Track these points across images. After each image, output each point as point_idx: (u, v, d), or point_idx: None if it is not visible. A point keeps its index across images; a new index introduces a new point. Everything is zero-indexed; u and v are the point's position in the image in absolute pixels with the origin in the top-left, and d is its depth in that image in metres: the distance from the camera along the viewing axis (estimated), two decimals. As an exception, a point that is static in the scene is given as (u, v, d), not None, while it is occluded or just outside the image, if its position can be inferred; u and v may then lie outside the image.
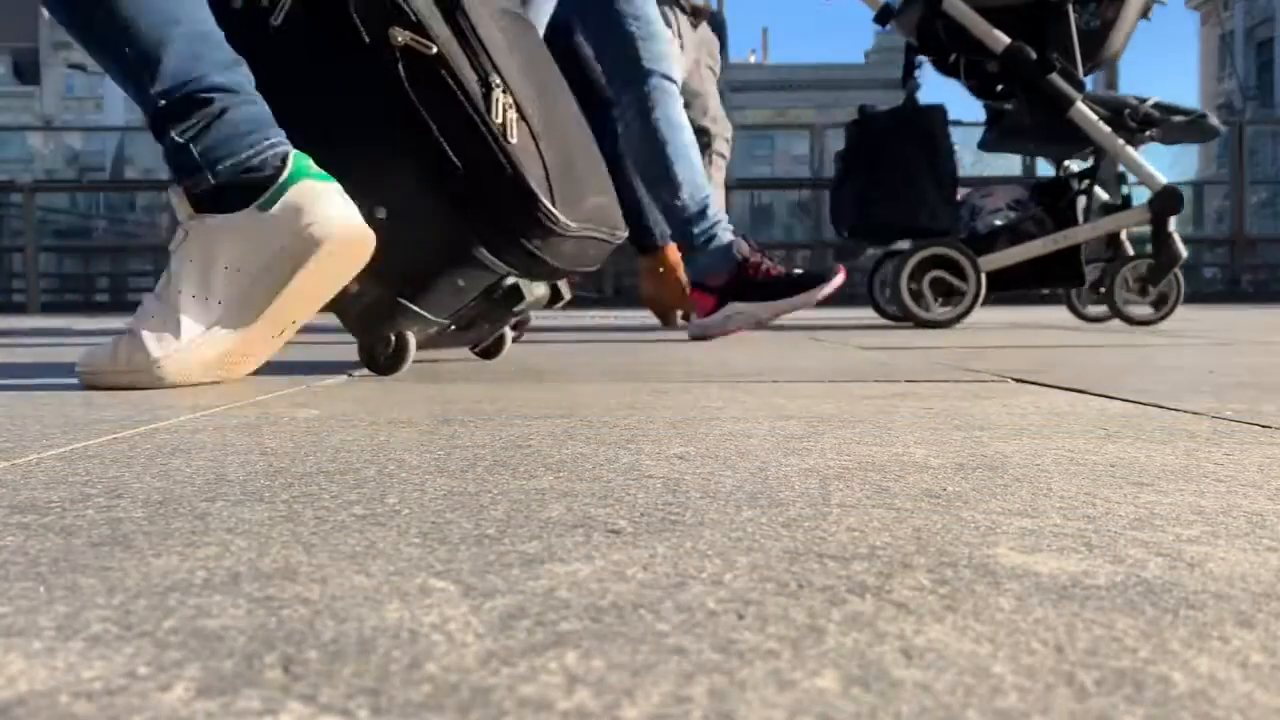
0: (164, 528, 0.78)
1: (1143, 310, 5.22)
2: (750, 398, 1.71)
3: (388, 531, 0.77)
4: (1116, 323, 5.47)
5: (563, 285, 2.44)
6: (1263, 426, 1.33)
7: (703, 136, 4.76)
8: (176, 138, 1.94)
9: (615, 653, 0.50)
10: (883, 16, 5.11)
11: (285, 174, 1.89)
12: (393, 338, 2.20)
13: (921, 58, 5.16)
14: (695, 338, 3.91)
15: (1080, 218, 5.02)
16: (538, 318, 5.89)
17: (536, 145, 2.02)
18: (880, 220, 5.22)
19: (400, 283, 2.13)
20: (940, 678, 0.47)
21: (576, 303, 10.16)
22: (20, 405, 1.65)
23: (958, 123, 10.56)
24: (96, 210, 14.72)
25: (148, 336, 1.87)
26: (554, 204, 1.99)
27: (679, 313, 4.97)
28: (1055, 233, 4.99)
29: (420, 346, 2.27)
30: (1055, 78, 4.75)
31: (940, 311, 4.92)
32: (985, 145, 5.52)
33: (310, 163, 1.92)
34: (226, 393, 1.84)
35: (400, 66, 1.96)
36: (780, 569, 0.66)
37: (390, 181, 2.06)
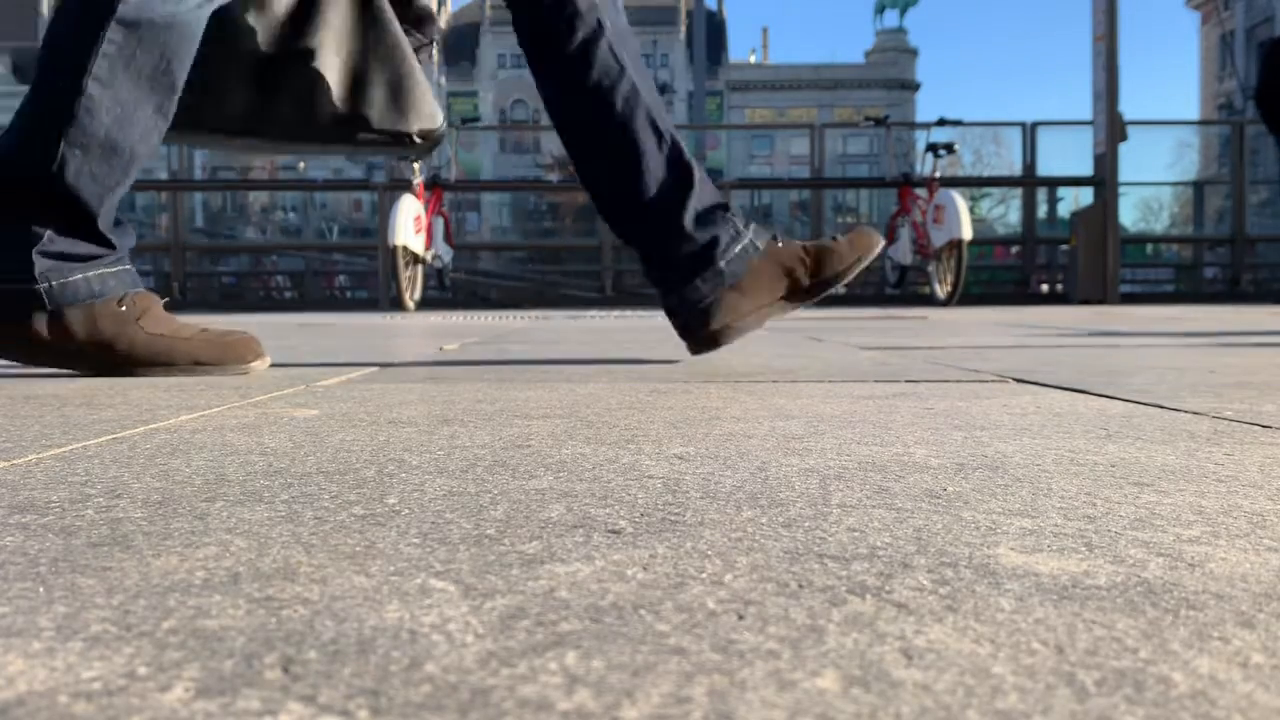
0: (163, 528, 0.78)
1: None
2: (750, 398, 1.71)
3: (388, 531, 0.77)
4: (1115, 323, 5.48)
5: None
6: (1263, 426, 1.33)
7: None
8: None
9: (615, 653, 0.50)
10: None
11: None
12: None
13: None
14: None
15: None
16: (537, 317, 5.88)
17: None
18: None
19: None
20: (940, 678, 0.47)
21: (576, 303, 10.14)
22: (20, 405, 1.65)
23: (958, 122, 10.56)
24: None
25: None
26: None
27: None
28: None
29: None
30: None
31: None
32: None
33: None
34: (226, 393, 1.84)
35: None
36: (780, 569, 0.65)
37: None
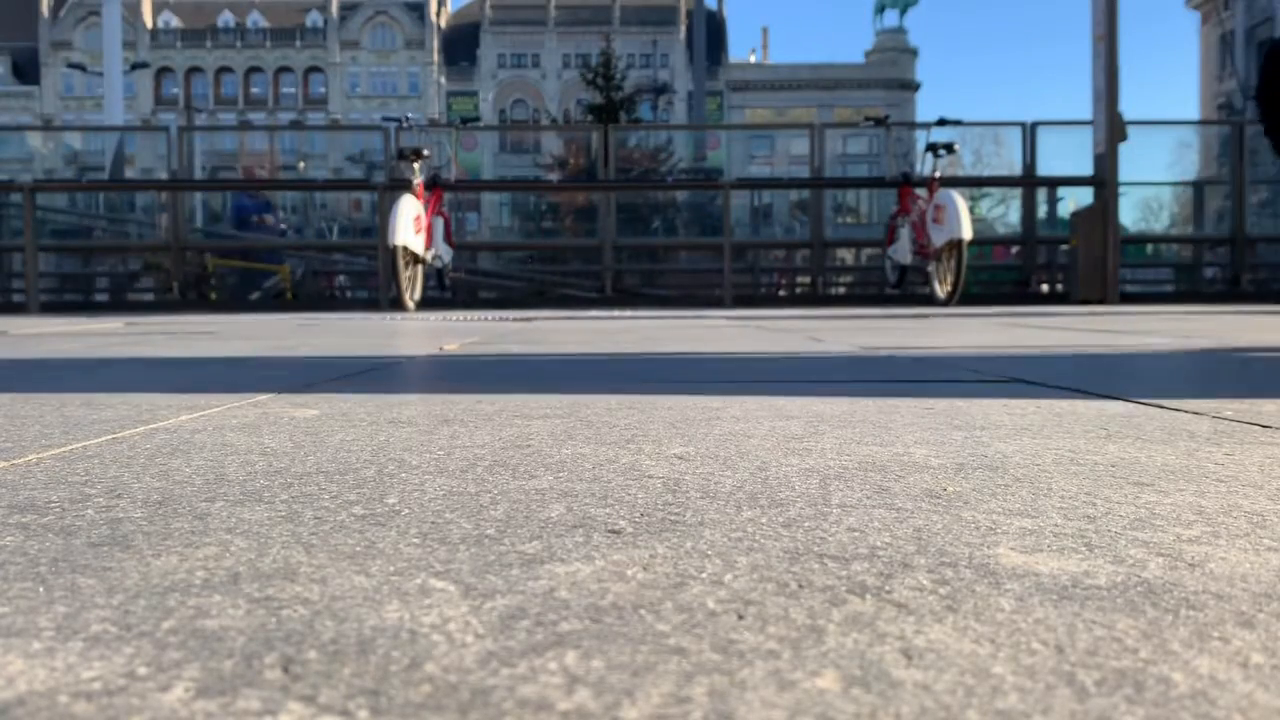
0: (164, 528, 0.78)
1: None
2: (750, 398, 1.71)
3: (388, 531, 0.77)
4: (1114, 322, 5.48)
5: None
6: (1263, 426, 1.33)
7: None
8: None
9: (615, 653, 0.50)
10: None
11: None
12: None
13: None
14: None
15: None
16: (537, 317, 5.88)
17: None
18: None
19: None
20: (940, 678, 0.47)
21: (576, 303, 10.15)
22: (20, 405, 1.65)
23: (958, 122, 10.55)
24: (96, 210, 14.75)
25: None
26: None
27: None
28: None
29: None
30: None
31: None
32: None
33: None
34: (226, 393, 1.84)
35: None
36: (780, 569, 0.66)
37: None
